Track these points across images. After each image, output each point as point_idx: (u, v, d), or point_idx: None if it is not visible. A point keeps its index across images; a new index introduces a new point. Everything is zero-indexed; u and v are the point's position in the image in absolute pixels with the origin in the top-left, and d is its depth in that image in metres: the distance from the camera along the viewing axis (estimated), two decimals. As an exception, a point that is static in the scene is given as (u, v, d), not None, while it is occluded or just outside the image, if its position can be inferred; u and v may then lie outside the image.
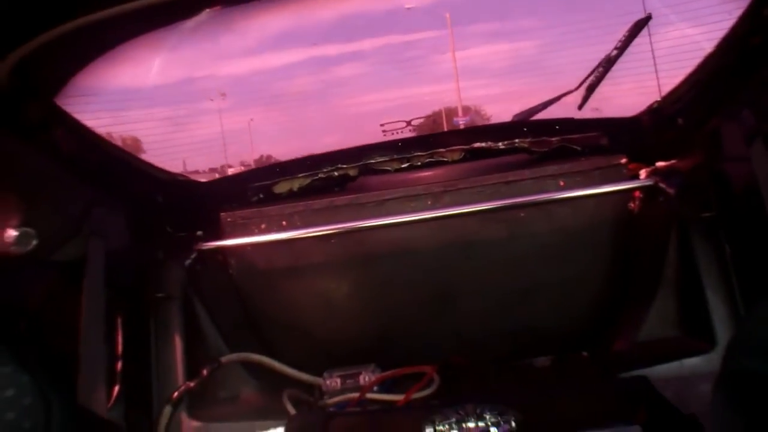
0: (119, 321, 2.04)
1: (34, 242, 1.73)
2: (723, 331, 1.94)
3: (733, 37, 1.86)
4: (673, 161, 2.23)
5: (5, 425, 1.04)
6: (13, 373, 1.04)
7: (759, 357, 1.12)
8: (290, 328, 2.47)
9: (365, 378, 2.22)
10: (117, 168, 2.16)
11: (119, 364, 2.00)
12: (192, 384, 2.13)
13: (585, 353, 2.47)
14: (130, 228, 2.16)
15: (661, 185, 2.22)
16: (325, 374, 2.26)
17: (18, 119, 1.64)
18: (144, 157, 2.41)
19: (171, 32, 1.87)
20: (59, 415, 1.09)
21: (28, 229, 1.72)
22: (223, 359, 2.24)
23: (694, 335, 2.06)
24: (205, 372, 2.16)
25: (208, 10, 1.64)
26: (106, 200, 2.07)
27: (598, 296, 2.41)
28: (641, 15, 2.29)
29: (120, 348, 2.02)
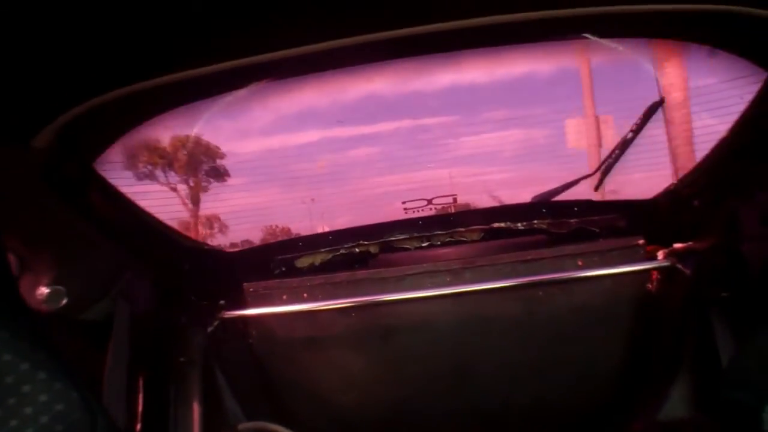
0: (140, 383, 2.06)
1: (65, 300, 1.77)
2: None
3: (746, 120, 1.92)
4: (690, 243, 2.27)
5: None
6: (64, 389, 1.08)
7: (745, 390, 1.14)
8: (308, 398, 2.48)
9: (381, 452, 2.21)
10: (147, 234, 2.23)
11: (138, 426, 2.02)
12: None
13: None
14: (156, 293, 2.21)
15: (679, 266, 2.25)
16: (341, 446, 2.26)
17: (58, 180, 1.71)
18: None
19: (204, 107, 1.98)
20: (104, 430, 1.13)
21: (60, 288, 1.77)
22: (240, 427, 2.25)
23: (713, 417, 2.04)
24: None
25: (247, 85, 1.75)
26: (135, 264, 2.13)
27: (616, 376, 2.40)
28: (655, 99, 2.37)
29: (140, 408, 2.03)
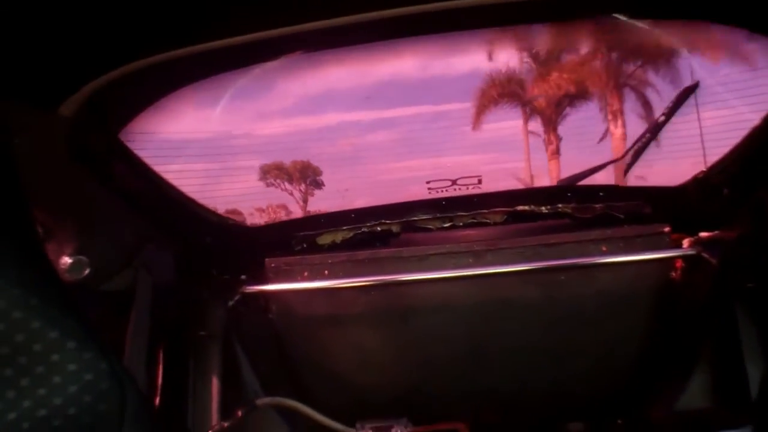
0: (161, 355, 2.08)
1: (87, 271, 1.79)
2: (761, 406, 1.91)
3: None
4: (716, 232, 2.23)
5: (83, 406, 1.08)
6: (94, 359, 1.08)
7: None
8: (326, 375, 2.49)
9: (397, 432, 2.22)
10: (170, 207, 2.24)
11: (157, 398, 2.04)
12: (226, 424, 2.15)
13: (620, 420, 2.43)
14: (178, 266, 2.22)
15: (704, 255, 2.22)
16: (358, 425, 2.27)
17: (84, 150, 1.72)
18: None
19: (229, 81, 1.97)
20: (132, 401, 1.13)
21: (83, 258, 1.78)
22: (258, 402, 2.26)
23: (732, 408, 2.02)
24: (239, 413, 2.18)
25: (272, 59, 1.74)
26: (157, 237, 2.14)
27: (636, 363, 2.39)
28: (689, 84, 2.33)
29: (159, 381, 2.05)
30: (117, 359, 1.13)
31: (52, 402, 1.05)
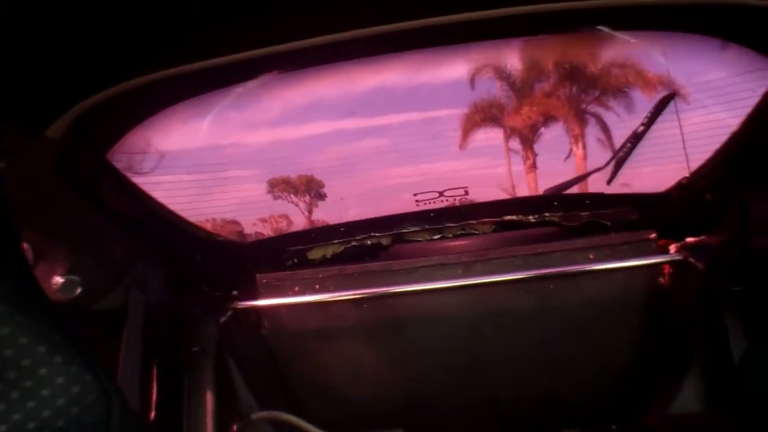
0: (154, 372, 2.08)
1: (79, 290, 1.79)
2: (751, 406, 1.92)
3: (758, 114, 1.91)
4: (702, 236, 2.26)
5: (71, 418, 1.09)
6: (80, 372, 1.10)
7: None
8: (320, 389, 2.50)
9: (392, 444, 2.23)
10: (159, 225, 2.25)
11: (151, 415, 2.04)
12: None
13: (614, 426, 2.44)
14: (169, 283, 2.23)
15: (691, 260, 2.25)
16: (352, 437, 2.28)
17: (71, 171, 1.73)
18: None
19: (216, 98, 1.99)
20: (118, 412, 1.14)
21: (74, 277, 1.79)
22: (253, 416, 2.26)
23: (725, 411, 2.04)
24: (235, 428, 2.19)
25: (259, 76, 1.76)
26: (148, 255, 2.15)
27: (628, 369, 2.41)
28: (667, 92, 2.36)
29: (153, 398, 2.05)
30: (103, 372, 1.15)
31: (41, 414, 1.07)
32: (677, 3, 1.52)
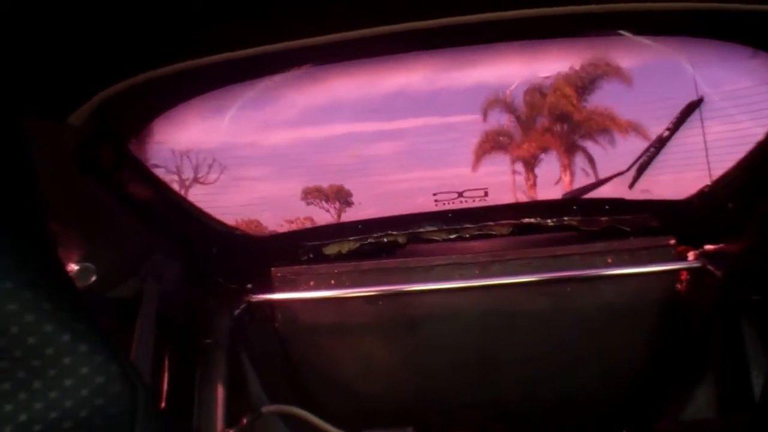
0: (166, 362, 2.09)
1: (94, 278, 1.80)
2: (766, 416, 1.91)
3: None
4: (721, 244, 2.24)
5: (94, 409, 1.08)
6: (105, 362, 1.09)
7: None
8: (331, 384, 2.49)
9: (402, 441, 2.22)
10: (177, 216, 2.25)
11: (163, 405, 2.04)
12: (231, 431, 2.15)
13: (625, 431, 2.42)
14: (184, 274, 2.23)
15: (710, 267, 2.23)
16: (363, 433, 2.27)
17: (92, 158, 1.74)
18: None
19: (239, 92, 1.99)
20: (143, 403, 1.14)
21: (89, 265, 1.79)
22: (264, 410, 2.26)
23: (738, 419, 2.02)
24: (245, 420, 2.18)
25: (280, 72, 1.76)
26: (165, 246, 2.15)
27: (641, 374, 2.39)
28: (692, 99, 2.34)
29: (165, 388, 2.06)
30: (128, 362, 1.14)
31: (63, 404, 1.06)
32: (706, 8, 1.50)
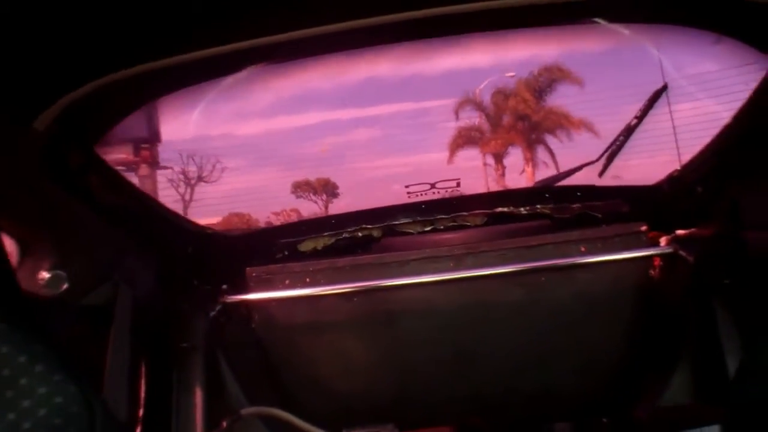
0: (143, 368, 2.06)
1: (65, 285, 1.76)
2: (740, 398, 1.93)
3: (750, 107, 1.91)
4: (692, 229, 2.26)
5: (52, 430, 1.07)
6: (63, 382, 1.07)
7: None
8: (310, 383, 2.48)
9: (383, 438, 2.22)
10: (149, 218, 2.23)
11: (141, 411, 2.02)
12: None
13: (605, 419, 2.45)
14: (158, 278, 2.20)
15: (681, 253, 2.25)
16: (344, 432, 2.27)
17: (58, 165, 1.70)
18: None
19: (205, 89, 1.97)
20: (102, 424, 1.12)
21: (60, 272, 1.76)
22: (243, 412, 2.24)
23: (714, 402, 2.04)
24: (224, 424, 2.17)
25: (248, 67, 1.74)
26: (137, 249, 2.12)
27: (618, 362, 2.41)
28: (659, 85, 2.36)
29: (142, 395, 2.04)
30: (87, 381, 1.12)
31: (22, 426, 1.04)
32: None
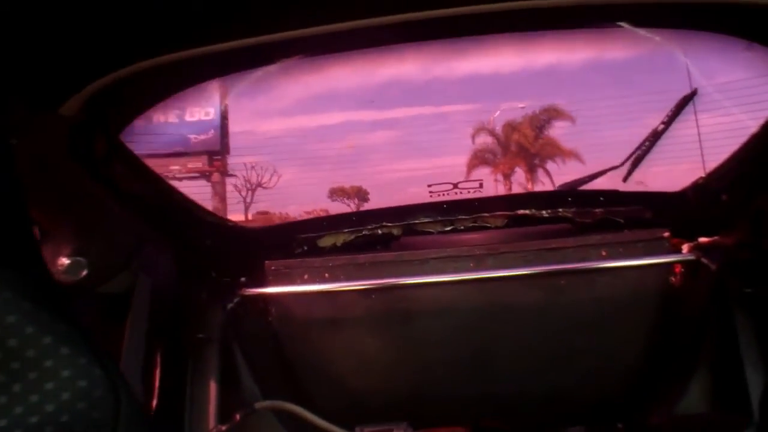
0: (158, 357, 2.07)
1: (84, 272, 1.78)
2: (761, 410, 1.91)
3: None
4: (716, 237, 2.24)
5: (76, 414, 1.06)
6: (88, 365, 1.07)
7: None
8: (325, 379, 2.48)
9: (397, 436, 2.21)
10: (170, 208, 2.23)
11: (154, 401, 2.03)
12: (224, 428, 2.13)
13: (620, 425, 2.42)
14: (177, 268, 2.21)
15: (704, 260, 2.23)
16: (357, 429, 2.26)
17: (83, 150, 1.72)
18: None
19: (232, 82, 1.98)
20: (127, 409, 1.11)
21: (80, 259, 1.77)
22: (257, 405, 2.25)
23: (732, 411, 2.02)
24: (237, 417, 2.17)
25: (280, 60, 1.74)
26: (157, 239, 2.13)
27: (635, 368, 2.39)
28: (687, 92, 2.33)
29: (156, 384, 2.04)
30: (113, 365, 1.12)
31: (44, 409, 1.04)
32: (703, 1, 1.49)
